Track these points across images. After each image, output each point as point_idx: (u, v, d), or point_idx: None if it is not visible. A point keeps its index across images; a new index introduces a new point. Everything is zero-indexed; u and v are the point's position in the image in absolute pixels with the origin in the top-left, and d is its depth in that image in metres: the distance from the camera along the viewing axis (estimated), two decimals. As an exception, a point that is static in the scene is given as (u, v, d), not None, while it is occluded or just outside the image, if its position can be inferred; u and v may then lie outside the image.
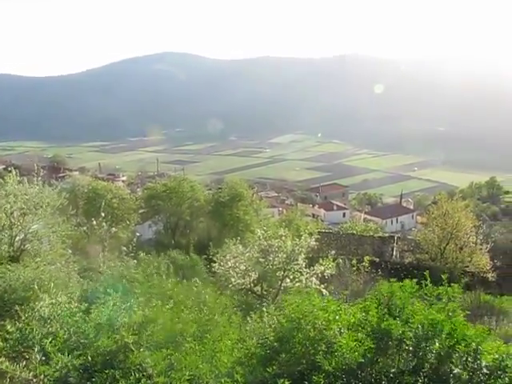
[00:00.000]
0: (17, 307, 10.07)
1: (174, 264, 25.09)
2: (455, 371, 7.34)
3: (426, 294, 8.59)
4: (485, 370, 7.22)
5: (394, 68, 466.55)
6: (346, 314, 8.58)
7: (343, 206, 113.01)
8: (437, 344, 7.51)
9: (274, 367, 7.91)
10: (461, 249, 45.76)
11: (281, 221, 50.22)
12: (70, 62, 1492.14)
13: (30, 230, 20.97)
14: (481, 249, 44.91)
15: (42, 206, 21.37)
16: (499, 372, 7.18)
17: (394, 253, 50.43)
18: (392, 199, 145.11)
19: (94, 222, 22.61)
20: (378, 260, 42.63)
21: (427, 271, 8.92)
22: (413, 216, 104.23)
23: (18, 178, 21.94)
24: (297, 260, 23.60)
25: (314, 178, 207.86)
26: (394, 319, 7.84)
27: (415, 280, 8.81)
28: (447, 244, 45.64)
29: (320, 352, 7.68)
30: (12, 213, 20.51)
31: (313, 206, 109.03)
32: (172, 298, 12.40)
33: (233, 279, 24.04)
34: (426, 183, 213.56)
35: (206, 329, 10.16)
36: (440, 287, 8.62)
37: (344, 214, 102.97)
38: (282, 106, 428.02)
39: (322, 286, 23.63)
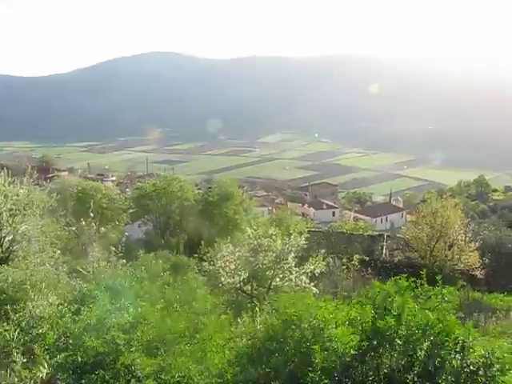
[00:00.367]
0: (7, 307, 10.03)
1: (166, 263, 25.02)
2: (444, 367, 7.43)
3: (420, 293, 8.65)
4: (472, 368, 7.32)
5: (384, 67, 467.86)
6: (342, 312, 8.64)
7: (333, 204, 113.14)
8: (427, 343, 7.59)
9: (265, 366, 7.93)
10: (450, 247, 45.88)
11: (271, 220, 50.12)
12: (59, 62, 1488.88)
13: (19, 231, 20.83)
14: (469, 247, 45.07)
15: (31, 207, 21.23)
16: (485, 368, 7.29)
17: (384, 251, 50.47)
18: (381, 198, 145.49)
19: (84, 223, 22.47)
20: (367, 258, 42.77)
21: (425, 270, 8.99)
22: (402, 214, 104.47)
23: (9, 179, 21.74)
24: (286, 259, 23.64)
25: (304, 177, 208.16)
26: (388, 318, 7.89)
27: (405, 277, 8.85)
28: (436, 242, 45.73)
29: (315, 349, 7.72)
30: (1, 213, 20.37)
31: (302, 205, 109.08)
32: (163, 297, 12.40)
33: (223, 278, 24.03)
34: (415, 182, 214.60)
35: (197, 328, 10.16)
36: (435, 288, 8.68)
37: (334, 213, 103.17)
38: (271, 105, 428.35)
39: (312, 284, 23.71)
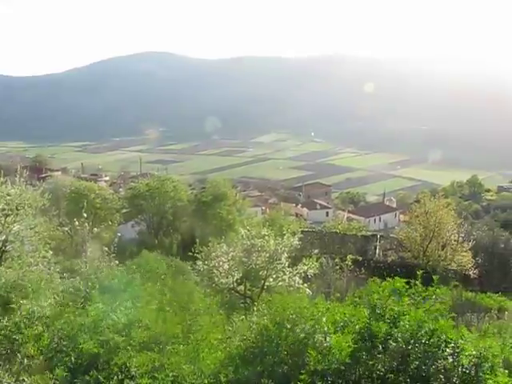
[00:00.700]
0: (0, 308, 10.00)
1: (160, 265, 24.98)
2: (437, 369, 7.47)
3: (414, 294, 8.68)
4: (464, 369, 7.37)
5: (378, 67, 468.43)
6: (335, 314, 8.64)
7: (326, 204, 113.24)
8: (420, 345, 7.62)
9: (258, 367, 7.94)
10: (443, 247, 46.03)
11: (264, 220, 50.17)
12: (53, 62, 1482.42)
13: (12, 232, 20.72)
14: (463, 247, 45.21)
15: (23, 207, 21.13)
16: (476, 368, 7.34)
17: (377, 251, 50.56)
18: (375, 198, 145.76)
19: (77, 223, 22.39)
20: (361, 259, 42.84)
21: (421, 271, 9.01)
22: (396, 214, 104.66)
23: (1, 179, 21.64)
24: (280, 259, 23.65)
25: (298, 177, 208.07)
26: (382, 320, 7.92)
27: (398, 277, 8.88)
28: (429, 242, 45.86)
29: (308, 351, 7.73)
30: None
31: (296, 205, 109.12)
32: (157, 298, 12.38)
33: (216, 278, 24.03)
34: (408, 182, 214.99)
35: (191, 329, 10.16)
36: (429, 288, 8.71)
37: (327, 213, 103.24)
38: (265, 105, 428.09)
39: (305, 284, 23.73)
